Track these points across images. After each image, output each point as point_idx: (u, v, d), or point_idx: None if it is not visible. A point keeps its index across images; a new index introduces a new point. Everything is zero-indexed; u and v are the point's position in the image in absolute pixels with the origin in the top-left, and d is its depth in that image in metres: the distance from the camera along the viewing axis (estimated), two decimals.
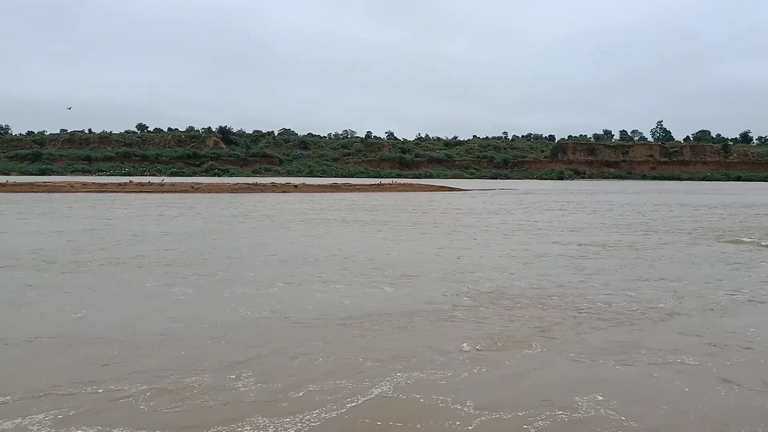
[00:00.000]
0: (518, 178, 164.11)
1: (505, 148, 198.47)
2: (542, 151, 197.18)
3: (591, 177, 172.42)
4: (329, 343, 7.73)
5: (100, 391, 6.11)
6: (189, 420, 5.60)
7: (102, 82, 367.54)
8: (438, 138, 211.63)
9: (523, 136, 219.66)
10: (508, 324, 8.68)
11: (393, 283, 11.64)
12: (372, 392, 6.14)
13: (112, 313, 9.26)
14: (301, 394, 6.12)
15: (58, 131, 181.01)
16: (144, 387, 6.26)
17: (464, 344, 7.69)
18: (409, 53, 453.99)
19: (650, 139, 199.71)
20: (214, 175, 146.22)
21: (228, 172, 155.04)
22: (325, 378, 6.49)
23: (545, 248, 17.31)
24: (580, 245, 18.08)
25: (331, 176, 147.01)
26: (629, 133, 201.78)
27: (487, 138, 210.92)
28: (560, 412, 5.63)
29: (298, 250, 16.70)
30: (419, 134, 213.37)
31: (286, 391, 6.16)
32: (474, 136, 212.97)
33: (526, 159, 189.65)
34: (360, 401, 5.92)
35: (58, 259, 14.46)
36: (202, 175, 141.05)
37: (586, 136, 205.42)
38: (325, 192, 64.16)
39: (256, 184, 69.53)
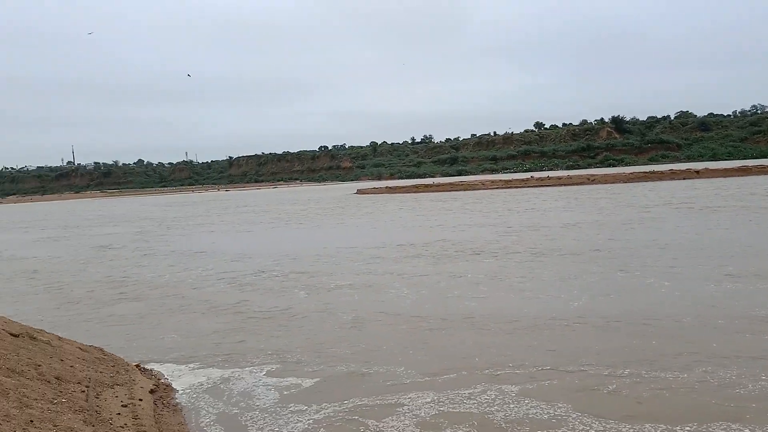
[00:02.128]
0: None
1: None
2: None
3: None
4: None
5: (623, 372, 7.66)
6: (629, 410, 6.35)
7: (491, 89, 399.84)
8: None
9: None
10: None
11: None
12: None
13: (621, 300, 11.19)
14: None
15: (469, 136, 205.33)
16: (625, 372, 7.44)
17: None
18: None
19: None
20: (609, 165, 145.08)
21: (623, 161, 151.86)
22: None
23: None
24: None
25: (738, 158, 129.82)
26: None
27: None
28: None
29: None
30: None
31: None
32: None
33: None
34: None
35: (517, 249, 18.98)
36: (596, 167, 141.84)
37: None
38: (736, 176, 58.52)
39: (653, 172, 68.06)
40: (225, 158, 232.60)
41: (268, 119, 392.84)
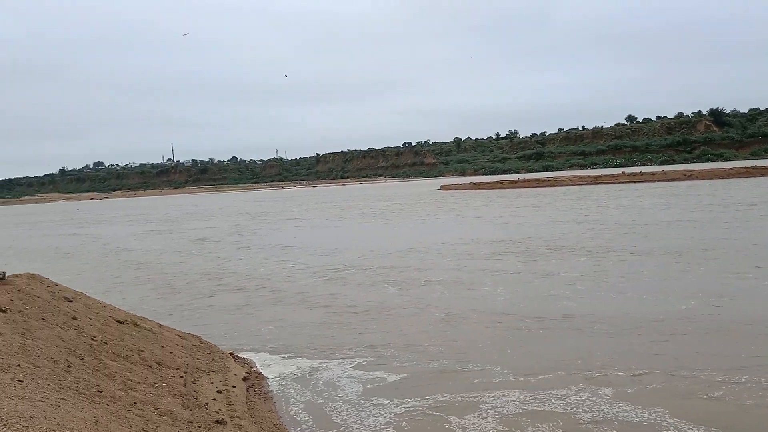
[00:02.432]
0: None
1: None
2: None
3: None
4: None
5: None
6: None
7: (579, 81, 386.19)
8: None
9: None
10: None
11: None
12: None
13: (735, 303, 10.63)
14: None
15: (556, 131, 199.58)
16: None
17: None
18: None
19: None
20: (707, 160, 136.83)
21: (722, 156, 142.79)
22: None
23: None
24: None
25: None
26: None
27: None
28: None
29: None
30: None
31: None
32: None
33: None
34: None
35: (613, 247, 18.46)
36: (693, 162, 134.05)
37: None
38: None
39: (755, 168, 63.51)
40: (312, 155, 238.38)
41: (354, 117, 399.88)
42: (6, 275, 8.25)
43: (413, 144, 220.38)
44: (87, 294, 9.58)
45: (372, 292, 13.94)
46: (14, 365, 5.43)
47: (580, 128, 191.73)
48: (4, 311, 6.94)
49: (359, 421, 6.87)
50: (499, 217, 31.93)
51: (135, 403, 5.89)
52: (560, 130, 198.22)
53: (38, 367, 5.72)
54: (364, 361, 8.96)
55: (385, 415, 7.00)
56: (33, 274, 8.93)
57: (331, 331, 10.86)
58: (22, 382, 5.01)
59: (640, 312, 10.57)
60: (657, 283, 12.79)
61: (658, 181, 61.52)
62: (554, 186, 66.50)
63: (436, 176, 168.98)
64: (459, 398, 7.32)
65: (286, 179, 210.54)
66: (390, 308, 12.26)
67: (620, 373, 7.78)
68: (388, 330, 10.65)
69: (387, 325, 10.98)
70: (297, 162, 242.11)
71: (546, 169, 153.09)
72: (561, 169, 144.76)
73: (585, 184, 65.67)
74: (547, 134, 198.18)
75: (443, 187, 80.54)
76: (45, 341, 6.58)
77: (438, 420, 6.77)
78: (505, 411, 6.86)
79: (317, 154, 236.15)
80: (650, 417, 6.42)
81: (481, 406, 7.04)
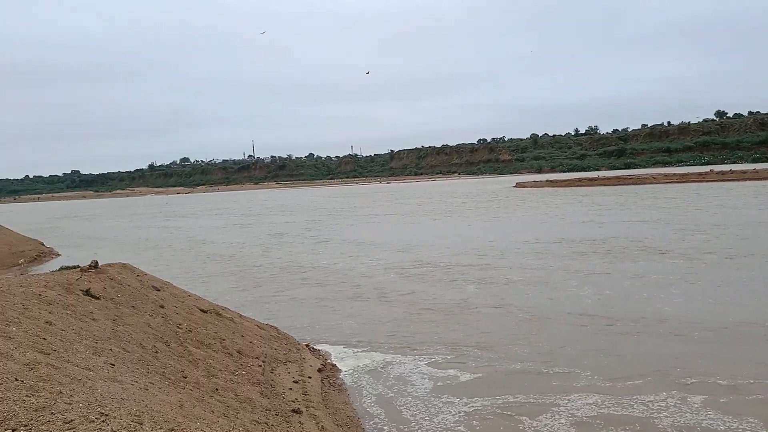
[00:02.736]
0: None
1: None
2: None
3: None
4: None
5: None
6: None
7: (664, 75, 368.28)
8: None
9: None
10: None
11: None
12: None
13: None
14: None
15: (639, 126, 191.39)
16: None
17: None
18: None
19: None
20: None
21: None
22: None
23: None
24: None
25: None
26: None
27: None
28: None
29: None
30: None
31: None
32: None
33: None
34: None
35: (708, 249, 17.55)
36: None
37: None
38: None
39: None
40: (387, 152, 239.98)
41: (428, 113, 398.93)
42: (99, 264, 8.68)
43: (488, 140, 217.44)
44: (173, 284, 9.95)
45: (451, 290, 13.74)
46: (107, 349, 5.65)
47: (666, 124, 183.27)
48: (98, 298, 7.28)
49: (428, 418, 6.84)
50: (580, 215, 30.86)
51: (216, 390, 6.02)
52: (644, 125, 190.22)
53: (128, 352, 5.94)
54: (440, 359, 8.84)
55: (455, 413, 6.93)
56: (124, 264, 9.35)
57: (410, 327, 10.76)
58: (114, 365, 5.20)
59: (742, 318, 9.88)
60: (759, 289, 11.93)
61: (750, 180, 57.97)
62: (637, 184, 63.72)
63: (511, 173, 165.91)
64: (532, 400, 7.15)
65: (361, 176, 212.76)
66: (471, 307, 12.00)
67: (721, 382, 7.32)
68: (469, 329, 10.42)
69: (467, 324, 10.74)
70: (371, 158, 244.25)
71: (628, 166, 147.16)
72: (644, 167, 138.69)
73: (670, 182, 62.57)
74: (629, 130, 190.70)
75: (518, 185, 78.89)
76: (134, 328, 6.85)
77: (509, 420, 6.66)
78: (579, 413, 6.68)
79: (391, 151, 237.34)
80: (739, 427, 6.06)
81: (554, 408, 6.85)
